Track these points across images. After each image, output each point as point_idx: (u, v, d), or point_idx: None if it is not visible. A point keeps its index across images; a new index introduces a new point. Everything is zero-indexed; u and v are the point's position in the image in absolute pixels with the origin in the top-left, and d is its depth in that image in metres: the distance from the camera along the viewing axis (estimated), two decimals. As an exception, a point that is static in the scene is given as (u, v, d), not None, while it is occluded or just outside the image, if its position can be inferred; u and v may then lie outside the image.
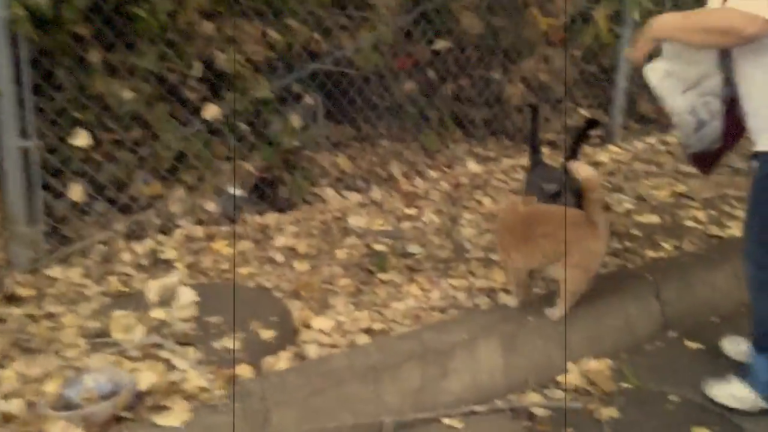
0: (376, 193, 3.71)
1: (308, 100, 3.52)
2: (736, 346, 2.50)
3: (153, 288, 2.37)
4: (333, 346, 2.35)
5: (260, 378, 2.08)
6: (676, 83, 2.21)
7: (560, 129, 4.57)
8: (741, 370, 2.27)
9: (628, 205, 3.63)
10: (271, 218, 3.39)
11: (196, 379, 2.01)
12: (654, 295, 2.73)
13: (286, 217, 3.43)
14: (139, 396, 1.97)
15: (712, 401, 2.28)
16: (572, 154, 2.83)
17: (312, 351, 2.30)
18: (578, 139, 2.88)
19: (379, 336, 2.42)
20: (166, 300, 2.37)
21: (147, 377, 2.01)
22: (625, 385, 2.41)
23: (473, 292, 2.76)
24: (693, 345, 2.64)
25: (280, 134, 3.34)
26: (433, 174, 3.96)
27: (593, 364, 2.47)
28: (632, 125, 4.84)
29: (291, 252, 3.10)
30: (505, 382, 2.32)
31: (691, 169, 4.01)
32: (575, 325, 2.49)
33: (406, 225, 3.39)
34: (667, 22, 1.99)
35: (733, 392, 2.25)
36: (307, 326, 2.48)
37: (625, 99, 4.58)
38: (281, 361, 2.19)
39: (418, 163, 4.00)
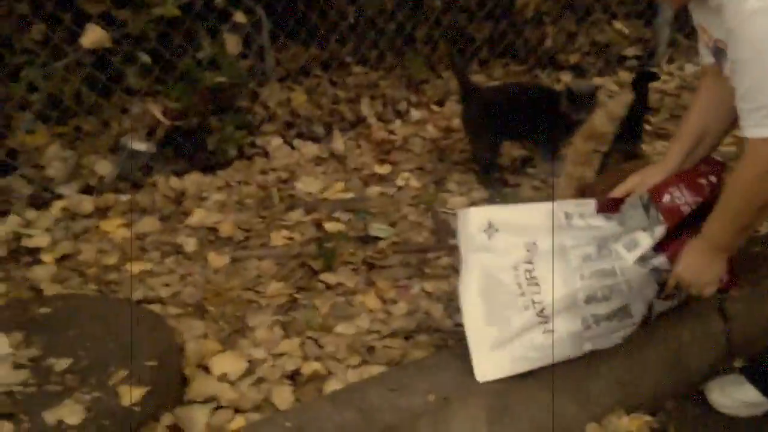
0: (339, 142, 2.92)
1: (240, 17, 2.67)
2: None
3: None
4: (237, 409, 1.65)
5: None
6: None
7: (588, 48, 3.72)
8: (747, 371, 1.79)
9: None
10: (191, 181, 2.64)
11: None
12: (716, 308, 1.99)
13: (212, 179, 2.68)
14: None
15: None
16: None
17: (199, 424, 1.59)
18: (639, 109, 2.19)
19: (307, 389, 1.71)
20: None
21: None
22: (671, 456, 1.72)
23: (455, 303, 2.02)
24: None
25: (192, 66, 2.51)
26: (416, 114, 3.16)
27: (625, 423, 1.76)
28: (680, 41, 3.94)
29: (210, 235, 2.37)
30: (492, 464, 1.63)
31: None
32: (599, 366, 1.77)
33: (373, 190, 2.63)
34: (723, 239, 1.51)
35: (743, 398, 1.79)
36: (205, 369, 1.77)
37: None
38: (141, 449, 1.49)
39: (397, 99, 3.18)
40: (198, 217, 2.43)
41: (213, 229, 2.39)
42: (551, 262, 1.55)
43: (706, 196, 1.54)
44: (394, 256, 2.22)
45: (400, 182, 2.67)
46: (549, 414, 1.70)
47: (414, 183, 2.66)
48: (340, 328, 1.92)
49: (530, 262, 1.56)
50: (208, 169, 2.72)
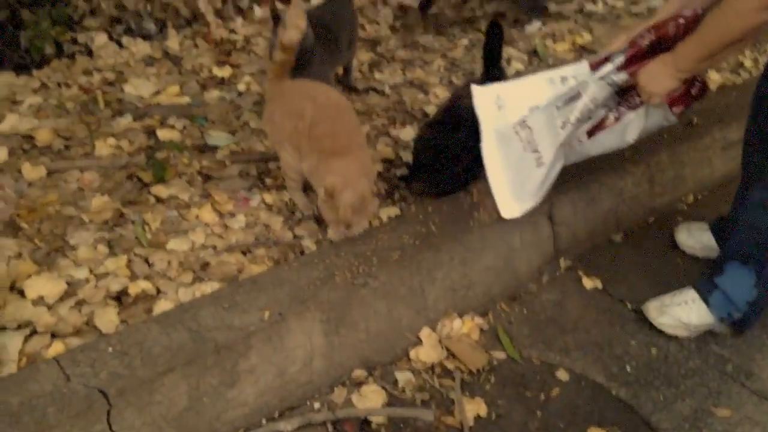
0: (174, 41, 2.71)
1: None
2: (695, 237, 2.16)
3: None
4: (54, 334, 1.54)
5: None
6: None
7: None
8: (701, 287, 1.86)
9: (519, 65, 2.88)
10: (1, 82, 2.36)
11: None
12: (546, 214, 2.08)
13: (26, 80, 2.41)
14: None
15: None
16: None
17: (12, 351, 1.47)
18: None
19: (134, 311, 1.62)
20: None
21: None
22: (499, 355, 1.81)
23: (297, 214, 1.98)
24: (590, 283, 2.06)
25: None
26: (260, 12, 2.98)
27: (457, 326, 1.84)
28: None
29: (25, 143, 2.14)
30: (328, 373, 1.65)
31: (595, 7, 3.37)
32: (434, 272, 1.82)
33: (212, 95, 2.48)
34: (687, 60, 1.64)
35: (683, 317, 1.85)
36: (20, 292, 1.63)
37: None
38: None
39: (238, -5, 2.98)
40: (10, 122, 2.20)
41: (28, 137, 2.17)
42: (539, 111, 1.81)
43: (669, 35, 1.68)
44: (233, 167, 2.12)
45: (241, 87, 2.53)
46: (385, 322, 1.73)
47: (256, 87, 2.53)
48: (173, 244, 1.82)
49: (525, 116, 1.82)
50: (22, 68, 2.45)
